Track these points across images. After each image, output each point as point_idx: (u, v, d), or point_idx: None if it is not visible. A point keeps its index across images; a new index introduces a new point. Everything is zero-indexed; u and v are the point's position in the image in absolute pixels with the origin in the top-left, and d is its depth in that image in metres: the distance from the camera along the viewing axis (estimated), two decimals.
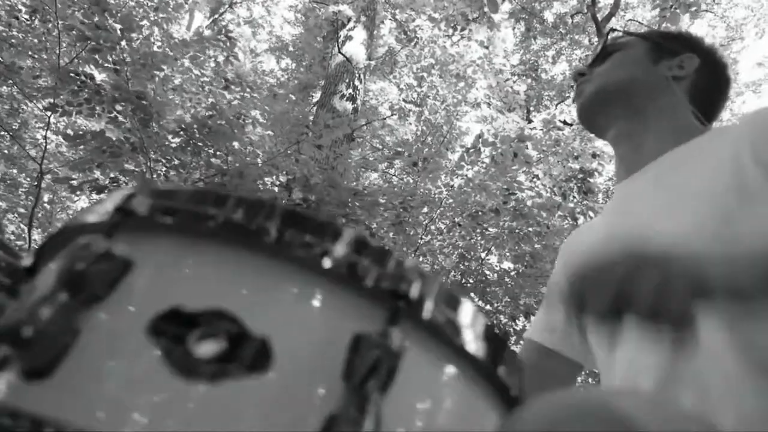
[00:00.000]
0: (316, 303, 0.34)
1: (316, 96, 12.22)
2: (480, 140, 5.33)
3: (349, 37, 9.57)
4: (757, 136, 0.78)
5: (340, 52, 9.00)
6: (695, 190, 0.80)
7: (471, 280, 7.29)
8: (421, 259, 7.15)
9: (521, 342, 6.62)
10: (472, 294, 7.53)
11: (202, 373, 0.31)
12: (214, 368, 0.31)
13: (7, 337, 0.30)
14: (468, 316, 0.37)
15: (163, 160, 5.04)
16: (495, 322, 7.32)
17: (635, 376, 0.74)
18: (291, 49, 13.86)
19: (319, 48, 11.85)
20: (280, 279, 0.34)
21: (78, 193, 4.90)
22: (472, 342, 0.35)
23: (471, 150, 5.42)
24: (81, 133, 4.61)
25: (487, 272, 7.44)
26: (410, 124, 8.86)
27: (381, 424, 0.31)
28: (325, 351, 0.33)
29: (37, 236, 7.63)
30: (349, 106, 8.56)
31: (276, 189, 4.95)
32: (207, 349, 0.31)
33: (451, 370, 0.36)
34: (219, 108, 4.73)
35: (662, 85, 0.98)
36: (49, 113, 4.59)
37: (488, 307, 7.59)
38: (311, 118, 11.27)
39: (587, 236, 1.05)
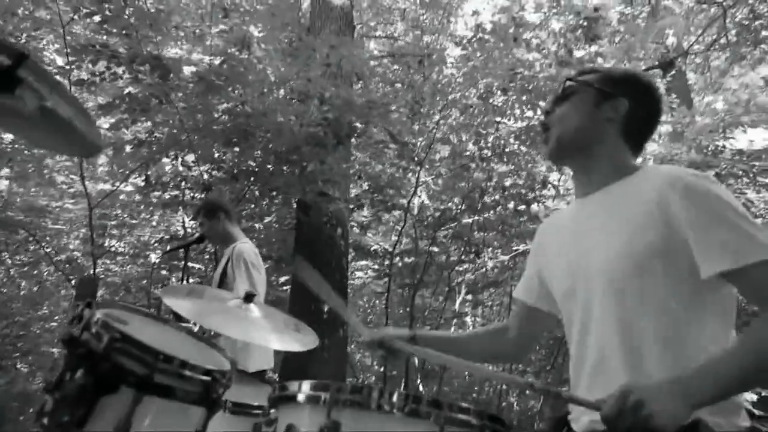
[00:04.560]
0: None
1: None
2: (479, 29, 5.48)
3: None
4: (663, 199, 1.22)
5: None
6: (624, 228, 1.27)
7: (488, 151, 7.69)
8: (440, 138, 7.54)
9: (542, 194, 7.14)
10: (492, 162, 7.98)
11: None
12: None
13: None
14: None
15: (188, 106, 5.42)
16: (513, 187, 7.81)
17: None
18: None
19: None
20: None
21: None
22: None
23: (472, 39, 5.58)
24: (111, 101, 4.98)
25: (500, 132, 7.77)
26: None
27: None
28: None
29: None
30: None
31: (294, 118, 5.30)
32: None
33: None
34: (229, 54, 4.97)
35: (601, 128, 1.39)
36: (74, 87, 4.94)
37: (509, 166, 8.08)
38: (305, 6, 11.02)
39: (554, 242, 1.51)
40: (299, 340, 2.17)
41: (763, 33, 13.86)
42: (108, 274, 8.39)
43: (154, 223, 9.24)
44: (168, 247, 6.20)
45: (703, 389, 1.04)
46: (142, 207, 7.43)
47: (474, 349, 1.67)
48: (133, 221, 7.76)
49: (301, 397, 0.97)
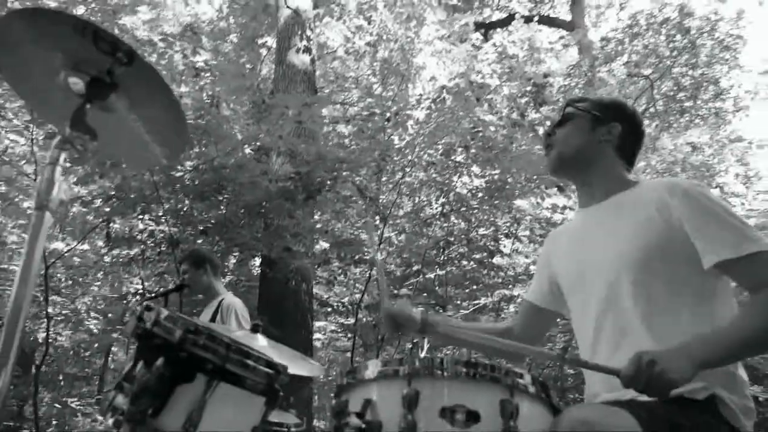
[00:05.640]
0: None
1: (262, 42, 12.27)
2: (444, 90, 5.86)
3: None
4: (663, 203, 1.40)
5: (287, 5, 9.09)
6: (628, 230, 1.44)
7: (448, 207, 8.00)
8: (403, 197, 7.81)
9: (509, 256, 7.44)
10: (453, 217, 8.29)
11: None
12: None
13: None
14: (548, 391, 1.02)
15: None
16: (475, 239, 8.13)
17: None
18: None
19: None
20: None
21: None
22: (550, 400, 1.01)
23: (437, 99, 5.96)
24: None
25: (461, 190, 8.11)
26: (371, 66, 9.18)
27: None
28: None
29: None
30: (306, 58, 8.78)
31: (264, 173, 5.42)
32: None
33: (542, 408, 1.01)
34: (205, 108, 5.10)
35: (598, 149, 1.61)
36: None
37: (466, 224, 8.38)
38: (264, 72, 11.33)
39: (564, 247, 1.68)
40: (305, 367, 2.21)
41: (687, 103, 15.18)
42: (57, 338, 7.97)
43: (96, 287, 8.92)
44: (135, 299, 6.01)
45: (706, 351, 1.19)
46: (97, 265, 7.20)
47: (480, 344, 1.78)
48: (93, 280, 7.49)
49: (377, 375, 1.04)
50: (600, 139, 1.60)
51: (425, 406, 0.97)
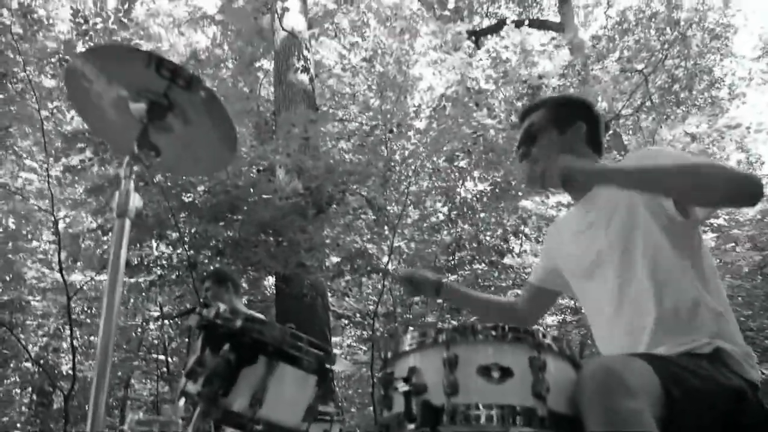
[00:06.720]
0: None
1: (260, 65, 12.51)
2: (444, 98, 6.04)
3: (286, 9, 9.82)
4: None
5: (282, 28, 9.32)
6: (615, 209, 1.59)
7: (455, 212, 8.15)
8: (410, 206, 7.95)
9: (519, 256, 7.56)
10: (459, 222, 8.42)
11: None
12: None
13: None
14: (570, 348, 1.16)
15: (173, 185, 5.62)
16: (485, 242, 8.26)
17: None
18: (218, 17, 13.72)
19: (248, 13, 11.92)
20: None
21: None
22: (572, 356, 1.15)
23: (437, 107, 6.13)
24: (100, 184, 5.14)
25: (465, 195, 8.25)
26: (366, 80, 9.38)
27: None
28: None
29: None
30: (305, 77, 8.99)
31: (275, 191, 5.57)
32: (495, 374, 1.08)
33: (565, 364, 1.14)
34: None
35: (573, 150, 1.69)
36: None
37: (473, 227, 8.51)
38: (263, 94, 11.56)
39: (567, 240, 1.82)
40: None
41: (682, 95, 15.31)
42: (81, 369, 8.11)
43: None
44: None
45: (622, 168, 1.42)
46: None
47: (489, 313, 1.98)
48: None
49: (419, 344, 1.18)
50: (570, 140, 1.71)
51: (464, 366, 1.10)
